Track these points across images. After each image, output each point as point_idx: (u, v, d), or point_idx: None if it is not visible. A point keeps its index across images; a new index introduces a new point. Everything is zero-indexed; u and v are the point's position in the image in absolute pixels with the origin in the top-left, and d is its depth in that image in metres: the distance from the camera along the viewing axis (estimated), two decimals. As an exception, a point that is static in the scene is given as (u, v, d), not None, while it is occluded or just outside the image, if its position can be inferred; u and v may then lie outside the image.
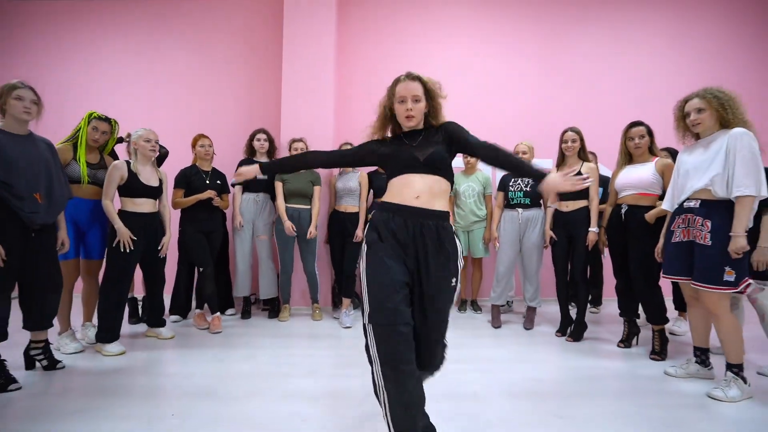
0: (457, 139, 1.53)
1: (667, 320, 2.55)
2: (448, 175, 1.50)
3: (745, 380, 1.99)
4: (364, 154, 1.61)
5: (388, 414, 1.27)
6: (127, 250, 2.56)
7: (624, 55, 4.47)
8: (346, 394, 2.01)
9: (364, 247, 1.43)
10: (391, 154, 1.51)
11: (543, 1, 4.46)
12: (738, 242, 1.88)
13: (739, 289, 1.95)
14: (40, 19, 4.36)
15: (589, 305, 3.86)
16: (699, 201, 2.05)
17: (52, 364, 2.26)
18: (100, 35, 4.33)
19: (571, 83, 4.44)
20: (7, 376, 2.01)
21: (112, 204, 2.57)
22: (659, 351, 2.52)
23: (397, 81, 1.52)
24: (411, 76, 1.50)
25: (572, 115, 4.30)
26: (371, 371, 1.31)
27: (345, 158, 1.75)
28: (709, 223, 2.00)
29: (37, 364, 2.27)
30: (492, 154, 1.49)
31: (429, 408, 1.39)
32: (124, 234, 2.55)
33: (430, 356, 1.42)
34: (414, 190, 1.42)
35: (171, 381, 2.16)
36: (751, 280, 1.97)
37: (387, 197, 1.47)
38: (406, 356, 1.27)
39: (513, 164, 1.46)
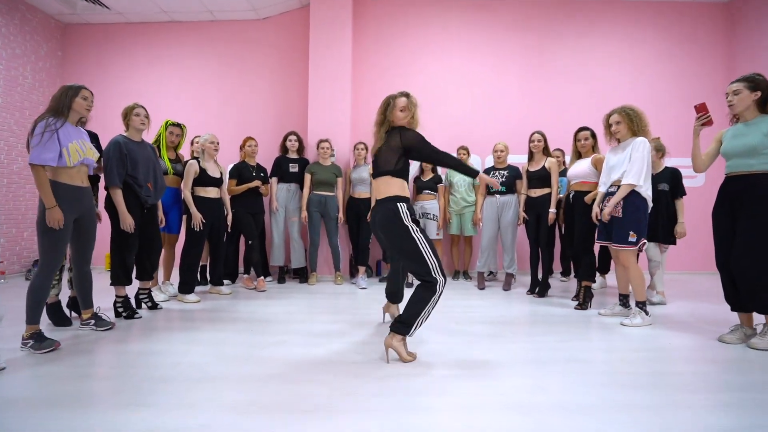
0: (412, 149, 2.14)
1: (593, 279, 3.38)
2: (395, 172, 2.11)
3: (647, 312, 2.82)
4: None
5: None
6: (197, 230, 3.43)
7: (587, 68, 5.26)
8: (364, 324, 2.87)
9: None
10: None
11: (524, 21, 5.25)
12: (608, 209, 2.84)
13: (637, 247, 2.78)
14: (107, 39, 5.25)
15: (560, 275, 4.71)
16: (617, 187, 2.87)
17: (154, 306, 3.16)
18: (163, 55, 5.25)
19: (544, 92, 5.24)
20: (132, 309, 2.91)
21: (190, 194, 3.44)
22: (582, 303, 3.31)
23: (395, 97, 2.20)
24: (403, 94, 2.19)
25: (545, 117, 5.11)
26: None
27: None
28: (622, 202, 2.82)
29: (143, 305, 3.17)
30: (438, 161, 2.19)
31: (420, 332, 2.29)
32: (196, 218, 3.42)
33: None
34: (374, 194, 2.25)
35: (239, 315, 3.04)
36: (645, 240, 2.79)
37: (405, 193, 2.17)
38: None
39: (453, 165, 2.21)
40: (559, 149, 4.50)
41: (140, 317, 2.91)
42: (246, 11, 5.02)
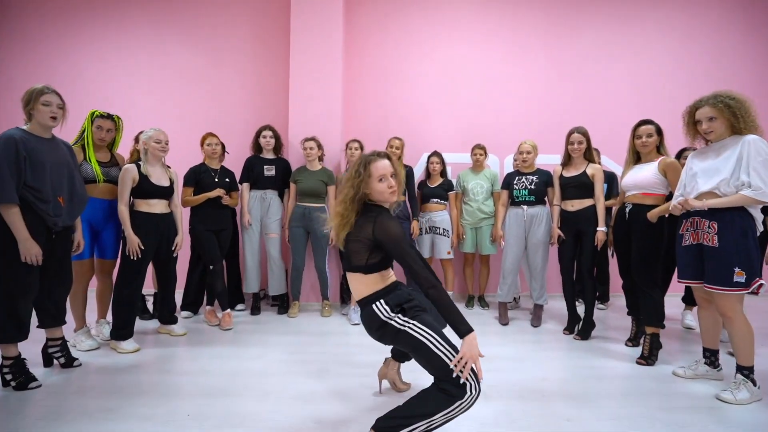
0: (383, 246, 1.51)
1: (662, 324, 2.51)
2: (368, 268, 1.56)
3: (755, 382, 1.99)
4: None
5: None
6: (134, 258, 2.59)
7: (630, 51, 4.40)
8: (355, 393, 2.04)
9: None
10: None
11: (552, -7, 4.38)
12: (701, 204, 2.00)
13: (750, 290, 1.95)
14: (54, 13, 4.33)
15: (597, 302, 3.88)
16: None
17: (69, 362, 2.32)
18: (110, 30, 4.30)
19: (576, 79, 4.39)
20: (27, 374, 2.07)
21: (127, 209, 2.61)
22: (647, 356, 2.47)
23: (370, 160, 1.56)
24: (381, 155, 1.57)
25: (576, 110, 4.29)
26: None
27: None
28: (716, 225, 2.00)
29: (55, 361, 2.33)
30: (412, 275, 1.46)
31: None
32: (133, 242, 2.58)
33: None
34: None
35: (185, 379, 2.21)
36: (762, 281, 1.96)
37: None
38: None
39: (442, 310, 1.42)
40: (595, 149, 3.64)
41: (38, 386, 2.07)
42: (215, -20, 4.14)
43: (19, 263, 1.98)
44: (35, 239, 2.03)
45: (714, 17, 4.41)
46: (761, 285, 1.95)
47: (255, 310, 3.52)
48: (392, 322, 1.50)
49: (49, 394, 2.02)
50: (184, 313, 3.38)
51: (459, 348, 1.40)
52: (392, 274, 1.66)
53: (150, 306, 3.43)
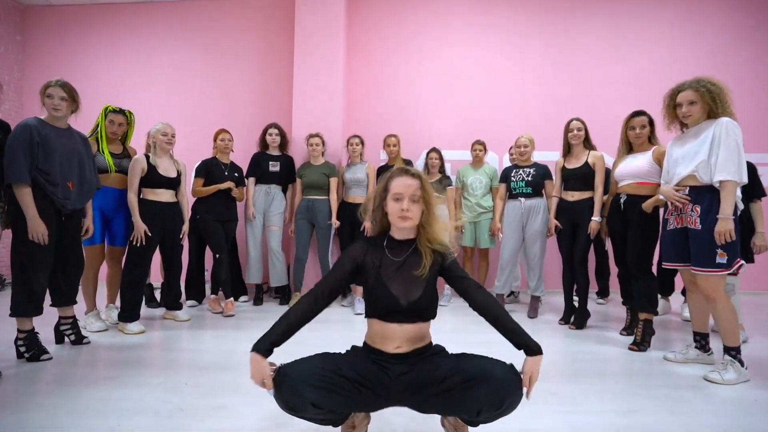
0: (451, 278, 1.36)
1: (655, 311, 2.54)
2: (432, 313, 1.33)
3: (742, 363, 2.01)
4: (341, 278, 1.36)
5: None
6: (138, 245, 2.73)
7: (627, 46, 4.47)
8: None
9: None
10: (370, 287, 1.33)
11: (551, -5, 4.49)
12: (725, 224, 1.92)
13: (731, 270, 1.97)
14: (72, 22, 4.64)
15: (596, 297, 3.89)
16: (688, 188, 2.09)
17: (79, 339, 2.45)
18: (122, 36, 4.59)
19: (573, 74, 4.47)
20: (40, 347, 2.19)
21: (136, 198, 2.76)
22: (639, 342, 2.49)
23: (391, 175, 1.31)
24: (410, 173, 1.30)
25: (575, 106, 4.30)
26: None
27: (329, 289, 1.36)
28: (698, 208, 2.04)
29: (66, 338, 2.46)
30: (489, 311, 1.32)
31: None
32: (139, 228, 2.73)
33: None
34: (394, 341, 1.29)
35: (185, 356, 2.31)
36: (743, 261, 1.98)
37: (369, 339, 1.36)
38: None
39: (508, 328, 1.29)
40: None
41: (49, 358, 2.19)
42: (225, -12, 4.37)
43: (30, 241, 2.12)
44: (46, 220, 2.16)
45: (703, 15, 4.45)
46: (742, 265, 1.98)
47: (257, 301, 3.63)
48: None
49: (59, 365, 2.14)
50: (189, 302, 3.51)
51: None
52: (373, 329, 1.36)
53: (157, 295, 3.56)
